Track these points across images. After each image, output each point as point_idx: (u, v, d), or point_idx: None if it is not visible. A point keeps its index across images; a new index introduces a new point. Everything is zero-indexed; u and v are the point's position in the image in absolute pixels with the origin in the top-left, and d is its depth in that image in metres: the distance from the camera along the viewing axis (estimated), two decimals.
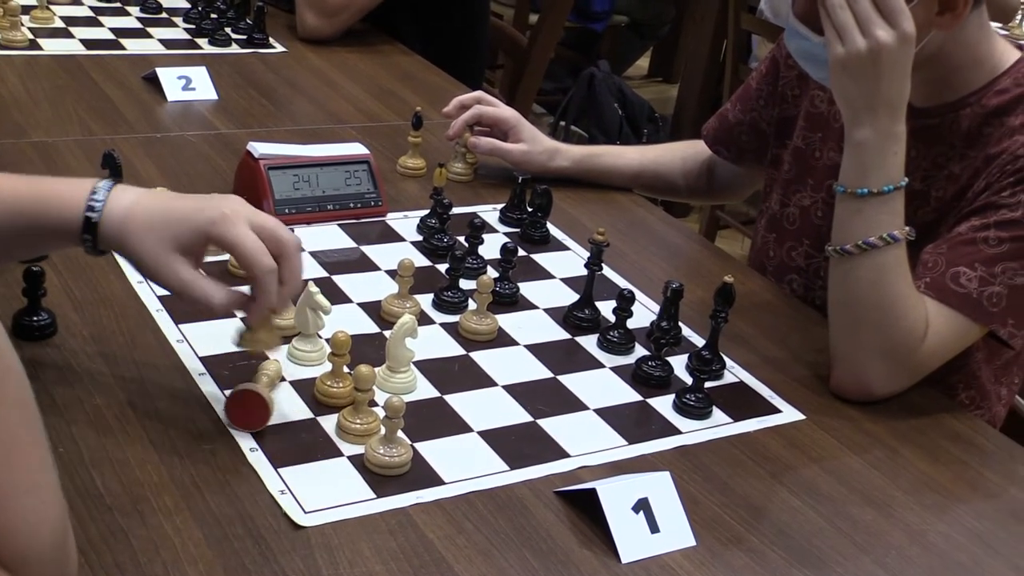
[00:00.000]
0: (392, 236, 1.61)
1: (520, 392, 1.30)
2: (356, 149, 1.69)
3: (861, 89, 1.32)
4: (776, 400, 1.37)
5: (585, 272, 1.48)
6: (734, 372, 1.41)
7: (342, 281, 1.47)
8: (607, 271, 1.58)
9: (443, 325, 1.41)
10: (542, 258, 1.62)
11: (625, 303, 1.41)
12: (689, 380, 1.34)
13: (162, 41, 2.26)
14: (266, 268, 1.10)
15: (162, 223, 1.09)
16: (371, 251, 1.56)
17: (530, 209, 1.68)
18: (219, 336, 1.29)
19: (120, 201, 1.10)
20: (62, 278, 1.36)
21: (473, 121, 1.81)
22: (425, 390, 1.27)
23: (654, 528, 1.09)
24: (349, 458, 1.14)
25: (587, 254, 1.49)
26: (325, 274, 1.48)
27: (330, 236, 1.58)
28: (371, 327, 1.38)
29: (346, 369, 1.22)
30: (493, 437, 1.21)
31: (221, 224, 1.10)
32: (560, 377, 1.34)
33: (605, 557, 1.06)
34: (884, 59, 1.30)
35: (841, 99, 1.36)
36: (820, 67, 1.38)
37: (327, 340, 1.23)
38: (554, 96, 4.58)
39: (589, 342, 1.42)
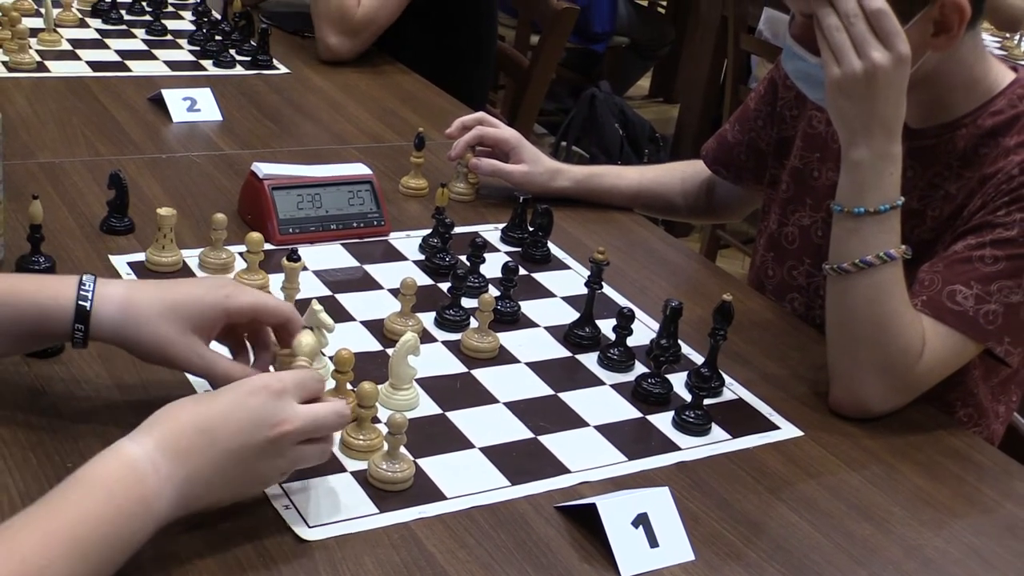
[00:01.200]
0: (395, 255, 1.63)
1: (521, 409, 1.31)
2: (359, 170, 1.71)
3: (857, 110, 1.34)
4: (775, 417, 1.38)
5: (585, 291, 1.49)
6: (733, 389, 1.43)
7: (345, 300, 1.48)
8: (607, 289, 1.59)
9: (445, 343, 1.42)
10: (543, 277, 1.64)
11: (625, 321, 1.42)
12: (688, 397, 1.35)
13: (167, 63, 2.29)
14: (291, 307, 1.18)
15: (172, 309, 1.11)
16: (374, 270, 1.58)
17: (531, 228, 1.70)
18: (223, 352, 1.30)
19: (110, 291, 1.11)
20: None
21: (475, 142, 1.83)
22: (427, 407, 1.29)
23: (653, 543, 1.11)
24: (352, 473, 1.15)
25: (587, 273, 1.50)
26: (328, 293, 1.49)
27: (333, 255, 1.60)
28: (374, 345, 1.39)
29: (349, 386, 1.24)
30: (494, 453, 1.23)
31: (237, 295, 1.14)
32: (561, 394, 1.36)
33: (605, 571, 1.08)
34: (880, 80, 1.32)
35: (837, 120, 1.38)
36: (817, 88, 1.40)
37: (331, 358, 1.24)
38: (555, 116, 4.60)
39: (589, 360, 1.44)
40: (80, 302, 1.09)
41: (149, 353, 1.12)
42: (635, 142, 4.17)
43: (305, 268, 1.50)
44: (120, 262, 1.48)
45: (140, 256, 1.49)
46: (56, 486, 0.91)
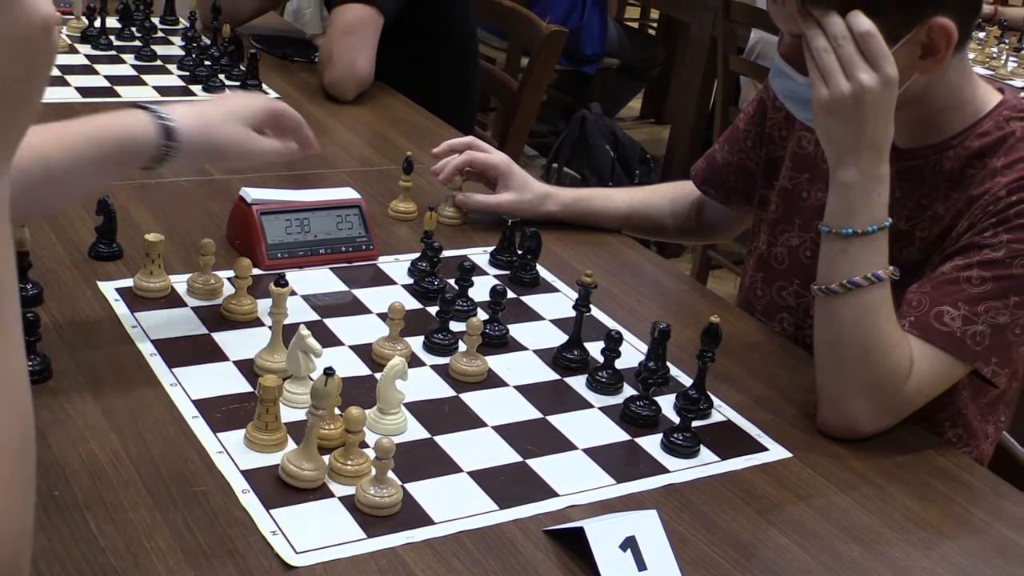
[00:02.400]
0: (383, 279, 1.63)
1: (510, 432, 1.31)
2: (347, 194, 1.71)
3: (845, 131, 1.35)
4: (763, 438, 1.38)
5: (574, 313, 1.49)
6: (721, 411, 1.43)
7: (333, 324, 1.48)
8: (596, 312, 1.59)
9: (434, 367, 1.42)
10: (532, 300, 1.64)
11: (613, 344, 1.42)
12: (676, 419, 1.35)
13: (157, 88, 2.29)
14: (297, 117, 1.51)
15: (233, 113, 1.41)
16: (362, 294, 1.57)
17: (520, 252, 1.70)
18: (211, 378, 1.30)
19: (180, 110, 1.35)
20: (56, 323, 1.37)
21: (464, 166, 1.83)
22: (416, 431, 1.29)
23: (641, 566, 1.10)
24: (340, 499, 1.15)
25: (576, 295, 1.50)
26: (317, 317, 1.49)
27: (322, 280, 1.59)
28: (362, 369, 1.39)
29: (337, 411, 1.24)
30: (483, 477, 1.22)
31: (273, 101, 1.49)
32: (549, 417, 1.36)
33: None
34: (868, 102, 1.32)
35: (826, 141, 1.38)
36: (804, 108, 1.41)
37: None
38: (546, 138, 4.61)
39: (578, 382, 1.44)
40: (165, 122, 1.32)
41: (226, 147, 1.40)
42: (626, 163, 4.19)
43: (293, 293, 1.50)
44: (108, 288, 1.48)
45: (128, 282, 1.49)
46: None
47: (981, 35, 3.82)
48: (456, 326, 1.47)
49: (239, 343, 1.40)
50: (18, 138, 0.77)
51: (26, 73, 0.76)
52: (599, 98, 4.78)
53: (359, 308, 1.54)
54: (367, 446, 1.22)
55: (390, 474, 1.15)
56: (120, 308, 1.43)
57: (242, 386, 1.32)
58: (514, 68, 3.60)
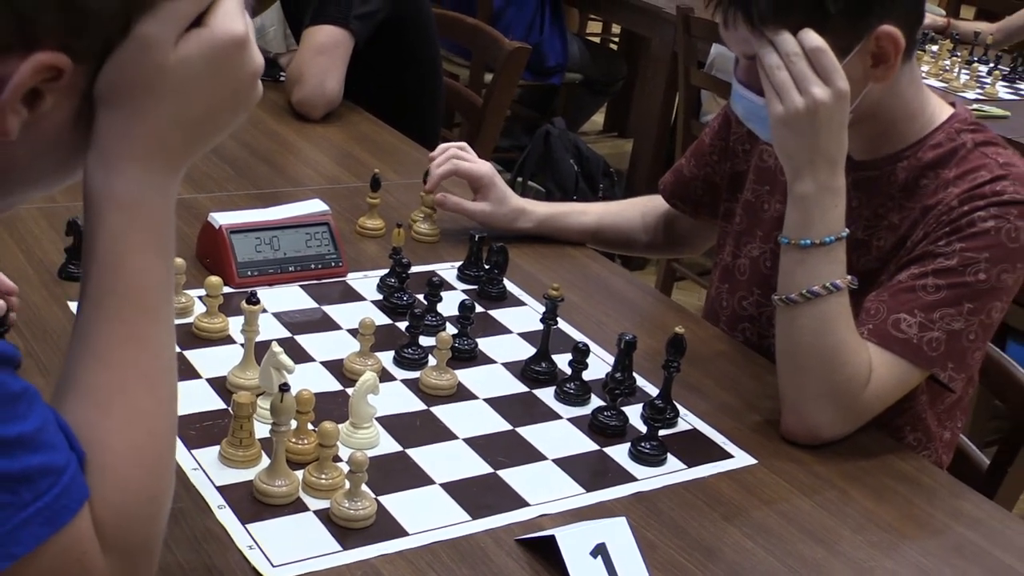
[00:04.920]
0: (353, 296, 1.65)
1: (480, 444, 1.34)
2: (316, 207, 1.73)
3: (801, 145, 1.38)
4: (729, 446, 1.41)
5: (541, 326, 1.52)
6: (687, 420, 1.46)
7: (304, 341, 1.50)
8: (563, 324, 1.62)
9: (404, 381, 1.45)
10: (499, 314, 1.67)
11: (580, 356, 1.45)
12: (644, 429, 1.38)
13: None
14: None
15: None
16: (332, 311, 1.60)
17: (487, 266, 1.73)
18: (184, 396, 1.32)
19: None
20: (28, 344, 1.39)
21: (449, 175, 1.85)
22: (388, 445, 1.31)
23: (612, 572, 1.13)
24: (315, 512, 1.17)
25: (543, 309, 1.53)
26: (288, 334, 1.51)
27: (292, 297, 1.62)
28: (334, 385, 1.41)
29: (310, 426, 1.26)
30: (455, 488, 1.25)
31: None
32: (519, 429, 1.38)
33: None
34: (821, 115, 1.36)
35: (782, 155, 1.42)
36: (764, 126, 1.45)
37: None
38: (511, 153, 4.64)
39: (546, 394, 1.47)
40: None
41: None
42: (590, 177, 4.22)
43: (264, 310, 1.52)
44: None
45: None
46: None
47: (934, 48, 3.89)
48: (425, 341, 1.49)
49: (211, 361, 1.42)
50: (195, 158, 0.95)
51: (232, 109, 0.93)
52: (563, 113, 4.82)
53: (329, 324, 1.56)
54: (340, 460, 1.24)
55: (364, 487, 1.17)
56: None
57: (215, 403, 1.34)
58: (478, 84, 3.63)
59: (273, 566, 1.09)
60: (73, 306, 1.48)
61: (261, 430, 1.27)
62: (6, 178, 0.90)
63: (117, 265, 0.90)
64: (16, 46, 0.81)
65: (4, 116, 0.83)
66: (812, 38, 1.36)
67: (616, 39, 6.19)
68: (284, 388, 1.16)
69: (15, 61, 0.81)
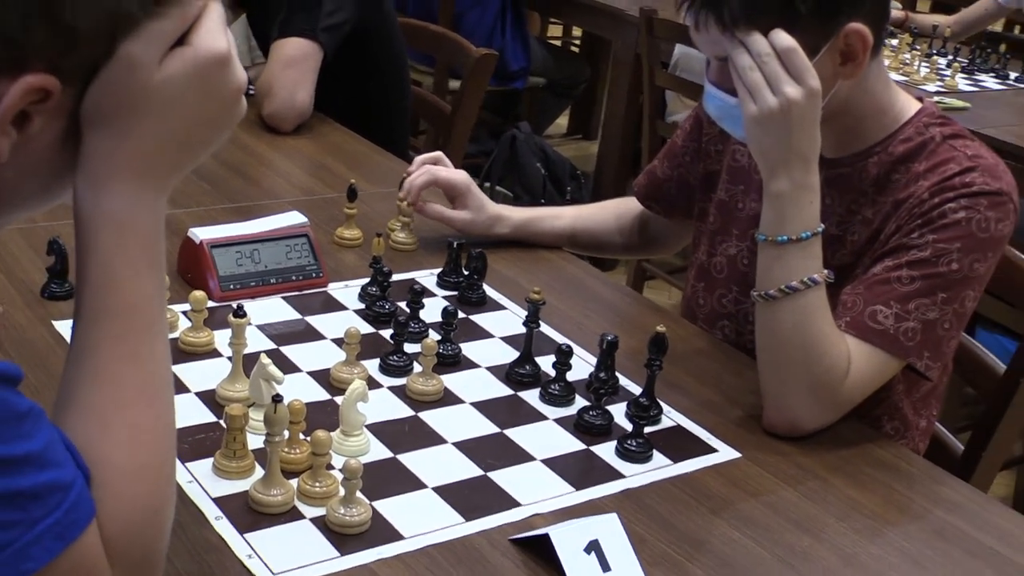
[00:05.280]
0: (335, 306, 1.67)
1: (469, 447, 1.36)
2: (294, 219, 1.75)
3: (775, 143, 1.41)
4: (713, 440, 1.44)
5: (522, 330, 1.54)
6: (671, 416, 1.48)
7: (289, 352, 1.52)
8: (543, 327, 1.64)
9: (391, 388, 1.46)
10: (480, 318, 1.69)
11: (564, 357, 1.47)
12: (629, 427, 1.40)
13: None
14: None
15: None
16: (315, 321, 1.61)
17: (466, 272, 1.75)
18: (177, 410, 1.33)
19: None
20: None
21: (428, 185, 1.87)
22: (378, 451, 1.33)
23: (605, 567, 1.15)
24: (311, 520, 1.19)
25: (523, 312, 1.55)
26: (273, 346, 1.53)
27: (275, 309, 1.63)
28: (322, 394, 1.43)
29: (302, 436, 1.27)
30: (447, 492, 1.27)
31: None
32: (506, 431, 1.40)
33: None
34: (795, 114, 1.39)
35: (757, 154, 1.45)
36: (738, 126, 1.47)
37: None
38: (477, 159, 4.66)
39: (531, 396, 1.49)
40: None
41: None
42: (557, 180, 4.24)
43: (249, 323, 1.53)
44: (64, 327, 1.50)
45: None
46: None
47: (894, 42, 3.94)
48: (409, 347, 1.51)
49: (199, 375, 1.43)
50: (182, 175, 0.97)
51: (217, 126, 0.95)
52: (527, 117, 4.85)
53: (313, 335, 1.58)
54: (332, 468, 1.26)
55: (358, 493, 1.18)
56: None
57: (205, 416, 1.35)
58: (442, 91, 3.66)
59: (273, 573, 1.10)
60: (58, 325, 1.50)
61: (252, 441, 1.28)
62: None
63: (111, 284, 0.92)
64: (4, 68, 0.83)
65: None
66: (783, 38, 1.39)
67: (577, 42, 6.23)
68: (277, 399, 1.18)
69: (4, 83, 0.83)
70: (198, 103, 0.93)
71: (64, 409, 0.91)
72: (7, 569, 0.79)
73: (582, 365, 1.56)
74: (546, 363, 1.53)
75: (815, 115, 1.41)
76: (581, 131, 5.86)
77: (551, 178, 4.24)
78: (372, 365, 1.49)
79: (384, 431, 1.36)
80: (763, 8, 1.40)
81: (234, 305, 1.41)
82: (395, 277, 1.68)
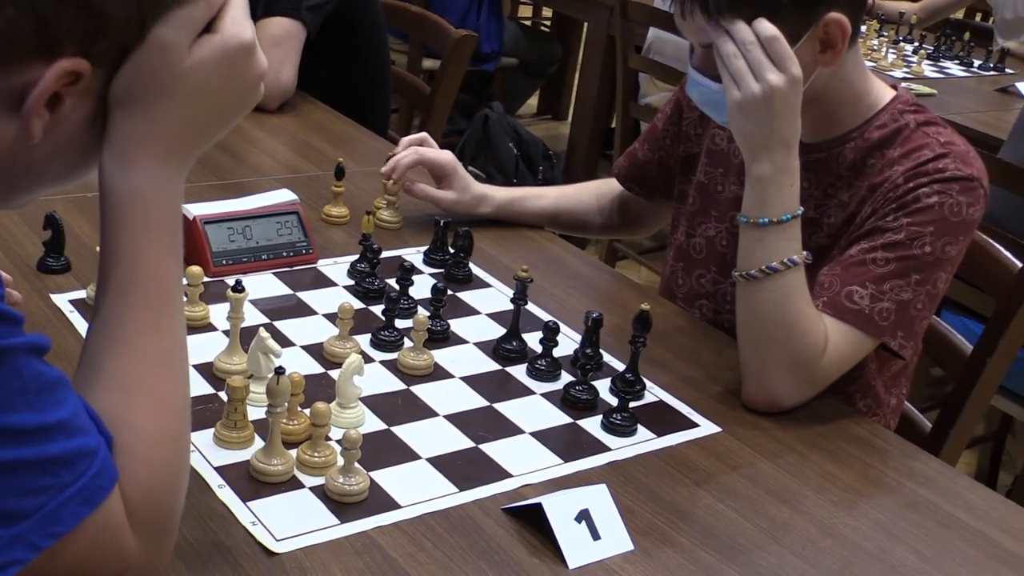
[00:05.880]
0: (325, 282, 1.70)
1: (460, 420, 1.40)
2: (284, 196, 1.78)
3: (757, 129, 1.46)
4: (694, 415, 1.49)
5: (508, 306, 1.58)
6: (653, 392, 1.53)
7: (282, 326, 1.55)
8: (528, 304, 1.68)
9: (383, 363, 1.50)
10: (467, 296, 1.73)
11: (551, 334, 1.52)
12: (613, 401, 1.45)
13: None
14: None
15: None
16: (306, 296, 1.65)
17: (452, 250, 1.79)
18: None
19: None
20: None
21: (414, 165, 1.90)
22: (373, 423, 1.37)
23: (595, 536, 1.20)
24: (311, 489, 1.23)
25: (508, 290, 1.59)
26: (266, 320, 1.56)
27: (267, 284, 1.66)
28: (316, 368, 1.47)
29: (299, 407, 1.31)
30: (440, 463, 1.31)
31: None
32: (495, 405, 1.45)
33: (553, 564, 1.17)
34: (777, 100, 1.44)
35: (740, 138, 1.50)
36: (720, 111, 1.52)
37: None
38: (450, 138, 4.69)
39: (519, 371, 1.53)
40: None
41: None
42: (529, 160, 4.29)
43: (247, 298, 1.56)
44: (62, 300, 1.53)
45: (81, 294, 1.54)
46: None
47: (862, 29, 4.00)
48: (399, 323, 1.55)
49: (195, 348, 1.44)
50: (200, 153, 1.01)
51: (237, 109, 1.00)
52: (499, 97, 4.88)
53: (305, 310, 1.61)
54: (330, 439, 1.30)
55: (356, 464, 1.23)
56: (76, 319, 1.49)
57: (204, 388, 1.39)
58: (416, 69, 3.69)
59: (276, 540, 1.14)
60: (55, 298, 1.53)
61: (251, 412, 1.32)
62: (27, 177, 0.94)
63: (138, 257, 0.96)
64: (39, 53, 0.86)
65: (30, 120, 0.88)
66: (766, 27, 1.43)
67: (547, 21, 6.26)
68: (280, 371, 1.21)
69: (39, 67, 0.86)
70: (223, 88, 0.97)
71: (88, 377, 0.95)
72: (40, 531, 0.83)
73: (566, 342, 1.60)
74: (531, 339, 1.57)
75: (796, 101, 1.46)
76: (551, 111, 5.90)
77: (523, 158, 4.28)
78: (363, 340, 1.53)
79: (378, 404, 1.40)
80: None
81: (231, 280, 1.44)
82: (382, 254, 1.72)
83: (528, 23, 6.21)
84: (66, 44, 0.87)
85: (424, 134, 1.97)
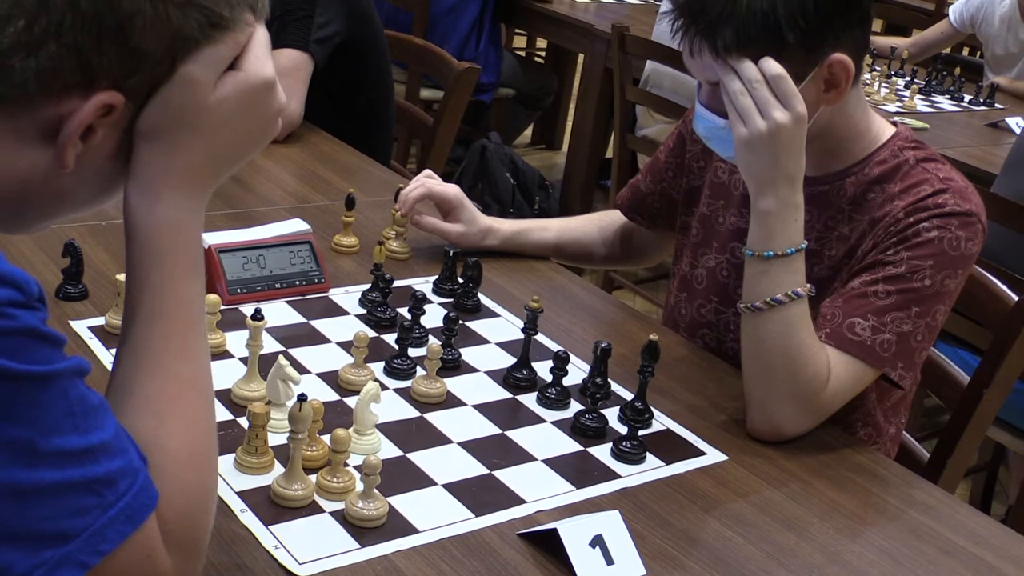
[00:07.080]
0: (337, 311, 1.74)
1: (473, 447, 1.43)
2: (297, 226, 1.81)
3: (763, 164, 1.50)
4: (701, 444, 1.52)
5: (516, 336, 1.62)
6: (660, 420, 1.57)
7: (298, 354, 1.59)
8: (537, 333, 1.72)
9: (396, 390, 1.53)
10: (476, 325, 1.76)
11: (561, 363, 1.55)
12: (622, 429, 1.49)
13: None
14: None
15: None
16: (319, 325, 1.68)
17: (461, 280, 1.82)
18: None
19: None
20: None
21: (423, 198, 1.94)
22: (389, 449, 1.40)
23: (609, 560, 1.23)
24: (331, 513, 1.26)
25: (515, 319, 1.62)
26: (281, 348, 1.59)
27: (280, 313, 1.69)
28: (332, 395, 1.50)
29: (319, 434, 1.34)
30: (456, 489, 1.34)
31: None
32: (507, 432, 1.48)
33: None
34: (782, 137, 1.48)
35: (746, 174, 1.54)
36: (726, 146, 1.56)
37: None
38: (448, 167, 4.73)
39: (529, 400, 1.57)
40: None
41: None
42: (526, 190, 4.33)
43: (266, 326, 1.60)
44: (81, 327, 1.56)
45: (100, 320, 1.57)
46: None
47: None
48: (412, 352, 1.58)
49: (213, 375, 1.49)
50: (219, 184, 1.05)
51: (256, 142, 1.04)
52: (495, 127, 4.93)
53: (318, 338, 1.65)
54: (348, 464, 1.33)
55: (375, 489, 1.26)
56: (96, 345, 1.52)
57: (222, 414, 1.42)
58: (414, 98, 3.74)
59: (299, 563, 1.17)
60: (74, 324, 1.56)
61: (271, 439, 1.35)
62: (54, 204, 0.98)
63: (166, 285, 0.99)
64: (78, 86, 0.90)
65: (65, 149, 0.92)
66: (772, 66, 1.48)
67: (541, 52, 6.32)
68: (302, 398, 1.24)
69: (77, 100, 0.90)
70: (245, 122, 1.01)
71: (119, 402, 0.98)
72: (87, 550, 0.86)
73: (574, 371, 1.64)
74: (540, 368, 1.61)
75: (801, 138, 1.50)
76: (546, 141, 5.95)
77: (520, 188, 4.32)
78: (376, 368, 1.57)
79: (393, 431, 1.43)
80: (754, 37, 1.49)
81: (246, 308, 1.47)
82: (394, 284, 1.75)
83: (522, 54, 6.27)
84: (102, 79, 0.91)
85: (429, 171, 2.01)
